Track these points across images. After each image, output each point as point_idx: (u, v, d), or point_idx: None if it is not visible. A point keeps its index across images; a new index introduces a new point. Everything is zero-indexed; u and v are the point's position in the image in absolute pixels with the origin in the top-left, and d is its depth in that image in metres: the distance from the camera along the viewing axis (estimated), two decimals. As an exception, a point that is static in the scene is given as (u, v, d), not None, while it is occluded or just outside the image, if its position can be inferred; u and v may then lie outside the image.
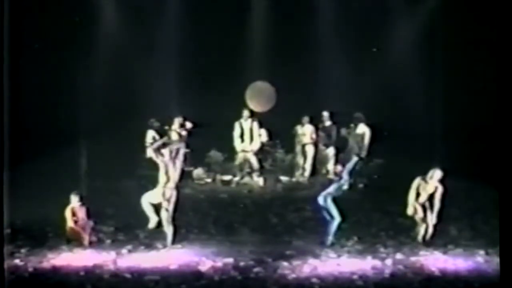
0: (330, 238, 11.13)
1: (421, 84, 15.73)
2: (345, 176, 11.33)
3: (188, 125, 14.71)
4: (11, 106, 10.32)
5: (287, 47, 16.10)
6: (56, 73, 15.16)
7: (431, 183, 10.99)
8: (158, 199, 11.09)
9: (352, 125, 14.73)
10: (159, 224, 11.14)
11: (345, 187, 11.32)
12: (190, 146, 14.68)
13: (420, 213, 11.06)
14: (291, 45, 16.10)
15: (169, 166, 11.09)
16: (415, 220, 11.18)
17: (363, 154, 14.49)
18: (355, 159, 11.79)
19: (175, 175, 11.15)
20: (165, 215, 11.06)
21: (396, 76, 15.94)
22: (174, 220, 11.14)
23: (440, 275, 9.83)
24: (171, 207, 11.09)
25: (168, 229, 11.09)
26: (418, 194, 11.06)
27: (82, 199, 11.32)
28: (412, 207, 11.07)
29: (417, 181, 11.06)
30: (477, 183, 13.11)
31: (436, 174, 10.99)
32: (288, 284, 9.59)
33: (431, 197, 11.07)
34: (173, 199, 11.11)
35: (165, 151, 11.45)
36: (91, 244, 11.12)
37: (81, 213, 11.22)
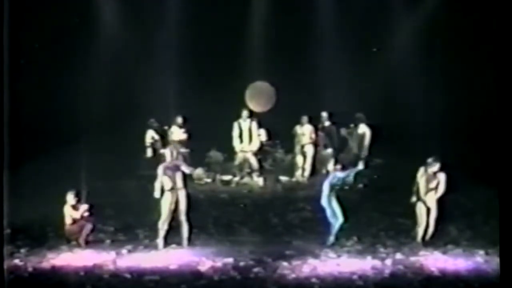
0: (331, 238, 11.14)
1: (421, 84, 15.72)
2: (341, 174, 11.35)
3: (183, 135, 14.69)
4: (11, 106, 10.32)
5: (287, 47, 16.11)
6: (56, 73, 15.17)
7: (433, 171, 10.97)
8: (169, 203, 11.05)
9: (352, 125, 14.73)
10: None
11: (336, 181, 11.31)
12: (190, 146, 14.70)
13: (422, 210, 11.03)
14: (291, 45, 16.11)
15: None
16: (415, 220, 11.16)
17: (364, 154, 14.50)
18: (360, 167, 11.68)
19: (178, 177, 11.12)
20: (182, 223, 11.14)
21: (396, 76, 15.96)
22: (189, 220, 11.16)
23: (440, 275, 9.83)
24: (183, 207, 11.08)
25: (184, 229, 11.09)
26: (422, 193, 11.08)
27: (80, 198, 11.31)
28: (416, 196, 11.07)
29: (421, 171, 11.06)
30: (477, 183, 13.11)
31: (435, 162, 10.99)
32: (288, 284, 9.59)
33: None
34: (182, 200, 11.10)
35: (166, 153, 11.43)
36: (89, 243, 11.11)
37: (80, 212, 11.20)
